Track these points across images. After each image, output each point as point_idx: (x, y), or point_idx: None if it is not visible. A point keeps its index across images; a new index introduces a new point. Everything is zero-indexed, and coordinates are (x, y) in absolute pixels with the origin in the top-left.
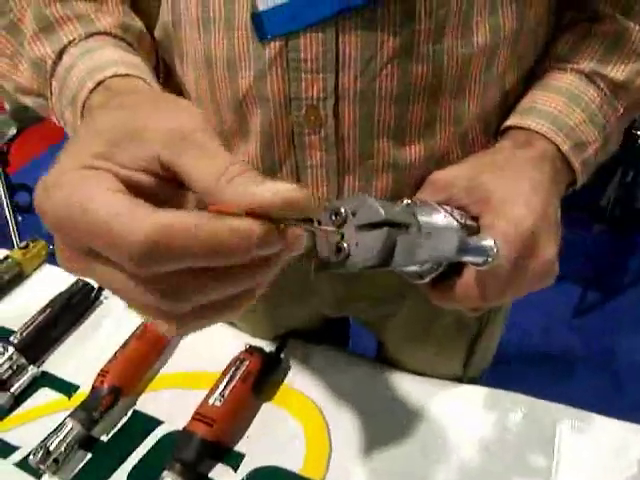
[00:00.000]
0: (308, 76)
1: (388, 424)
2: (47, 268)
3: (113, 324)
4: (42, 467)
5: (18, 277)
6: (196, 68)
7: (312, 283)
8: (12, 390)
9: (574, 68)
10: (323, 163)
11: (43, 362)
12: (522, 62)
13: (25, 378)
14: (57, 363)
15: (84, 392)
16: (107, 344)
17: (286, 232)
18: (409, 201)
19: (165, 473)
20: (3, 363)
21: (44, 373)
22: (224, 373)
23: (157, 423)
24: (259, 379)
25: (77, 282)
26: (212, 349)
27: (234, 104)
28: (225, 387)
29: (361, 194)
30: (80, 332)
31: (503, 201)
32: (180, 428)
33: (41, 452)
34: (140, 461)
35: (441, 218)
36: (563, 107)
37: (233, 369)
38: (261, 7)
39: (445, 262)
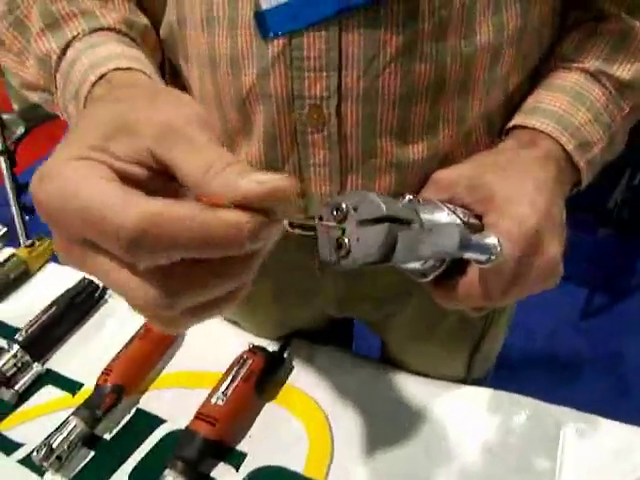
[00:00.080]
0: (311, 74)
1: (391, 425)
2: (52, 266)
3: (117, 323)
4: (45, 464)
5: (24, 275)
6: (200, 67)
7: (316, 283)
8: (16, 387)
9: (579, 67)
10: (326, 162)
11: (47, 360)
12: (526, 62)
13: (29, 375)
14: (61, 361)
15: (88, 390)
16: (111, 343)
17: (274, 223)
18: (411, 197)
19: (167, 472)
20: (8, 360)
21: (48, 371)
22: (227, 372)
23: (160, 422)
24: (262, 379)
25: (82, 280)
26: (215, 348)
27: (237, 102)
28: (228, 386)
29: (362, 190)
30: (84, 330)
31: (507, 200)
32: (183, 427)
33: (44, 449)
34: (142, 459)
35: (444, 216)
36: (568, 106)
37: (236, 368)
38: (264, 6)
39: (448, 259)
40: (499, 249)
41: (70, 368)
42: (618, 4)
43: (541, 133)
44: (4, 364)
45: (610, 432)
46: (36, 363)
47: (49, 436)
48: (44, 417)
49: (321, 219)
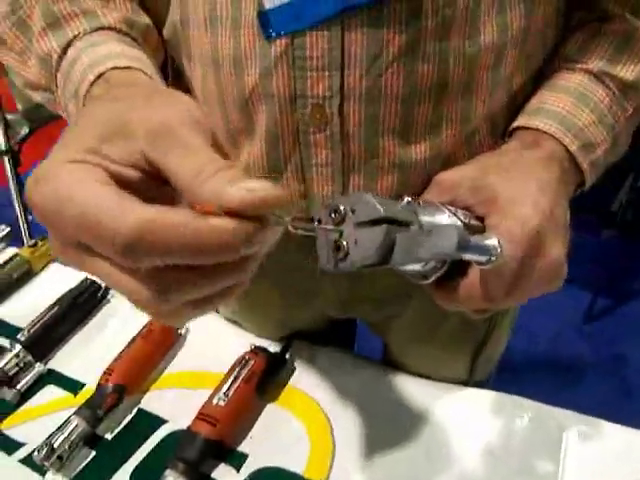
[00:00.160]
0: (314, 74)
1: (392, 427)
2: (55, 266)
3: (119, 323)
4: (46, 464)
5: (26, 275)
6: (203, 67)
7: (317, 284)
8: (18, 387)
9: (583, 68)
10: (328, 162)
11: (49, 359)
12: (530, 63)
13: (31, 375)
14: (63, 361)
15: (90, 390)
16: (113, 343)
17: (268, 229)
18: (410, 199)
19: (168, 472)
20: (10, 360)
21: (50, 370)
22: (228, 373)
23: (161, 422)
24: (263, 380)
25: (85, 280)
26: (217, 349)
27: (240, 102)
28: (229, 387)
29: (360, 192)
30: (87, 330)
31: (509, 201)
32: (184, 427)
33: (45, 449)
34: (143, 460)
35: (444, 218)
36: (571, 107)
37: (237, 369)
38: (267, 5)
39: (448, 260)
40: (499, 250)
41: (72, 368)
42: (622, 4)
43: (544, 134)
44: (6, 364)
45: (613, 435)
46: (38, 363)
47: (50, 436)
48: (46, 417)
49: (319, 222)
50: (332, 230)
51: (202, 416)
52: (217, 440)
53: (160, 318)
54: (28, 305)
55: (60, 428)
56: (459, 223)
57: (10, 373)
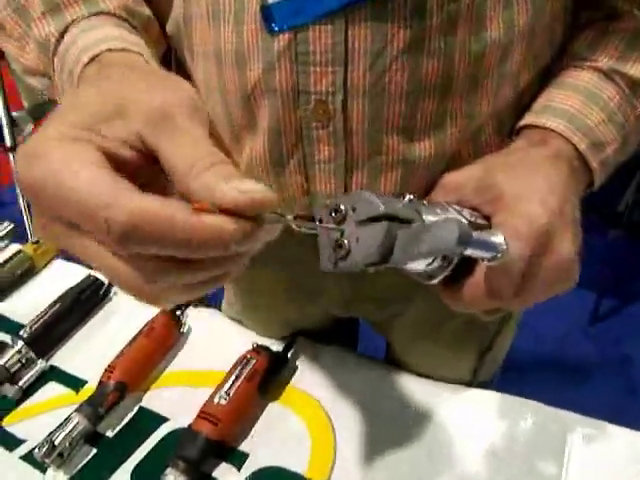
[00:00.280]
0: (317, 69)
1: (395, 427)
2: (58, 263)
3: (121, 320)
4: (47, 461)
5: (29, 272)
6: (206, 62)
7: (320, 282)
8: (20, 383)
9: (592, 66)
10: (331, 158)
11: (52, 356)
12: (537, 60)
13: (33, 372)
14: (65, 358)
15: (91, 387)
16: (115, 340)
17: (261, 228)
18: (412, 197)
19: (168, 470)
20: (12, 356)
21: (52, 367)
22: (230, 372)
23: (162, 420)
24: (265, 378)
25: (87, 277)
26: (219, 347)
27: (242, 98)
28: (231, 386)
29: (361, 190)
30: (89, 327)
31: (516, 199)
32: (185, 426)
33: (46, 446)
34: (144, 458)
35: (448, 215)
36: (581, 106)
37: (239, 368)
38: (270, 0)
39: (453, 258)
40: (505, 247)
41: (74, 365)
42: (631, 1)
43: (552, 132)
44: (8, 360)
45: (617, 437)
46: (40, 359)
47: (51, 433)
48: (47, 414)
49: (321, 221)
50: (333, 229)
51: (203, 415)
52: (218, 439)
53: (145, 300)
54: (31, 302)
55: (61, 425)
56: (464, 221)
57: (12, 370)
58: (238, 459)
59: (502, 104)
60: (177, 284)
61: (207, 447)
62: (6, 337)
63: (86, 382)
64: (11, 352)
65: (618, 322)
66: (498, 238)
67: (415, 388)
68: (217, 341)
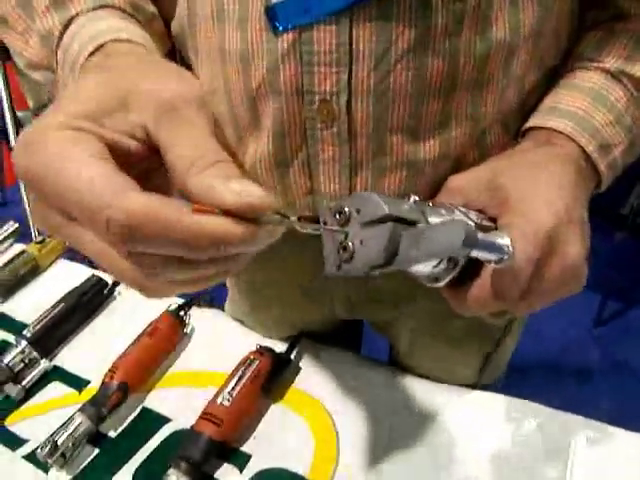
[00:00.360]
0: (321, 69)
1: (398, 429)
2: (62, 263)
3: (125, 320)
4: (49, 461)
5: (33, 271)
6: (210, 62)
7: (324, 284)
8: (23, 383)
9: (599, 67)
10: (335, 158)
11: (55, 356)
12: (544, 62)
13: (37, 371)
14: (68, 357)
15: (94, 387)
16: (118, 340)
17: (263, 231)
18: (416, 198)
19: (171, 471)
20: (15, 356)
21: (55, 367)
22: (233, 373)
23: (165, 421)
24: (268, 379)
25: (91, 278)
26: (222, 348)
27: (247, 98)
28: (234, 387)
29: (365, 192)
30: (92, 327)
31: (522, 200)
32: (188, 427)
33: (49, 446)
34: (147, 458)
35: (454, 217)
36: (588, 107)
37: (242, 369)
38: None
39: (459, 260)
40: (512, 249)
41: (77, 365)
42: (638, 1)
43: (559, 134)
44: (12, 360)
45: (621, 441)
46: (43, 359)
47: (54, 433)
48: (50, 413)
49: (325, 223)
50: (338, 231)
51: (206, 416)
52: (221, 440)
53: (145, 293)
54: (34, 301)
55: (64, 425)
56: (470, 222)
57: (15, 369)
58: (241, 460)
59: (507, 105)
60: (177, 279)
61: (210, 448)
62: (9, 337)
63: (89, 382)
64: (14, 352)
65: (623, 324)
66: (504, 240)
67: (419, 390)
68: (220, 342)
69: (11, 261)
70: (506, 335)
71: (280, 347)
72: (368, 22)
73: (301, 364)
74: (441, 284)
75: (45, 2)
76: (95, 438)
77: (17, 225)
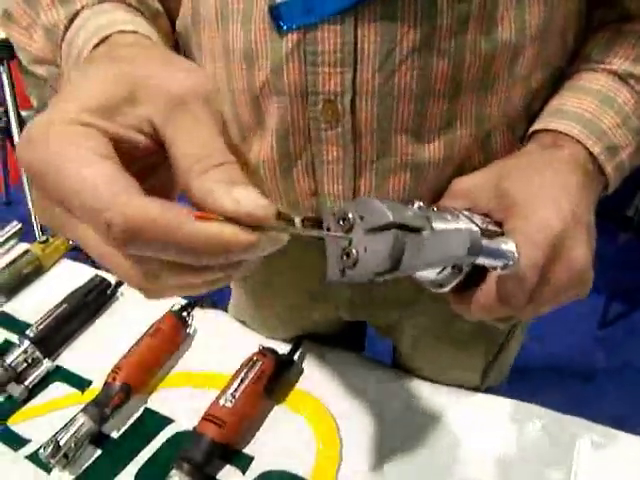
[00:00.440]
0: (325, 70)
1: (402, 431)
2: (66, 263)
3: (128, 321)
4: (52, 461)
5: (37, 271)
6: (214, 61)
7: (327, 285)
8: (26, 383)
9: (606, 69)
10: (339, 159)
11: (58, 356)
12: (549, 63)
13: (39, 371)
14: (71, 358)
15: (97, 388)
16: (121, 340)
17: (263, 239)
18: (421, 203)
19: (173, 472)
20: (18, 356)
21: (58, 367)
22: (236, 374)
23: (167, 422)
24: (271, 381)
25: (94, 278)
26: (225, 349)
27: (251, 98)
28: (237, 388)
29: (369, 197)
30: (95, 328)
31: (529, 204)
32: (190, 428)
33: (51, 446)
34: (149, 459)
35: (459, 223)
36: (595, 109)
37: (245, 370)
38: None
39: (463, 266)
40: (516, 255)
41: (80, 365)
42: None
43: (566, 136)
44: (14, 359)
45: (626, 445)
46: (46, 359)
47: (57, 433)
48: (52, 414)
49: (328, 229)
50: (341, 237)
51: (208, 417)
52: (223, 441)
53: (146, 295)
54: (37, 301)
55: (66, 426)
56: (475, 228)
57: (18, 369)
58: (243, 462)
59: (513, 106)
60: (178, 284)
61: (212, 449)
62: (13, 336)
63: (91, 382)
64: (17, 352)
65: (628, 326)
66: (509, 246)
67: (422, 392)
68: (223, 343)
69: (14, 261)
70: (510, 338)
71: (283, 348)
72: (373, 22)
73: (304, 365)
74: (446, 290)
75: None
76: (97, 439)
77: (20, 225)
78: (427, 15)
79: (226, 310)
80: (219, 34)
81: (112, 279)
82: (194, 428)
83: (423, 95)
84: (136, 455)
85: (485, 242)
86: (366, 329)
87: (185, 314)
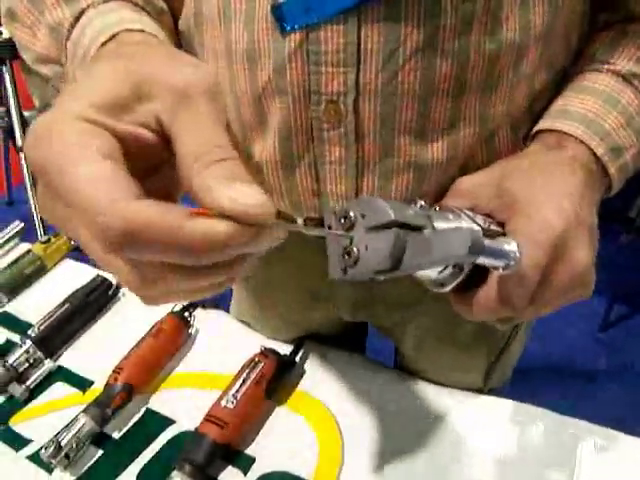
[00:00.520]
0: (328, 70)
1: (403, 433)
2: (67, 263)
3: (129, 321)
4: (53, 462)
5: (39, 271)
6: (216, 61)
7: (329, 285)
8: (28, 383)
9: (610, 69)
10: (342, 159)
11: (59, 356)
12: (553, 64)
13: (41, 372)
14: (73, 358)
15: (98, 388)
16: (123, 341)
17: (262, 235)
18: (422, 203)
19: (174, 473)
20: (20, 356)
21: (60, 367)
22: (238, 375)
23: (169, 423)
24: (273, 382)
25: (96, 278)
26: (227, 350)
27: (253, 98)
28: (238, 389)
29: (370, 196)
30: (97, 328)
31: (531, 205)
32: (192, 429)
33: (53, 446)
34: (150, 460)
35: (461, 222)
36: (599, 110)
37: (247, 371)
38: None
39: (465, 265)
40: (518, 255)
41: (81, 365)
42: None
43: (569, 137)
44: (16, 359)
45: (628, 447)
46: (48, 359)
47: (58, 433)
48: (54, 414)
49: (330, 228)
50: (342, 236)
51: (210, 418)
52: (225, 443)
53: (144, 301)
54: (39, 301)
55: (68, 426)
56: (477, 228)
57: (20, 369)
58: (244, 463)
59: (517, 107)
60: (176, 289)
61: (213, 450)
62: (14, 336)
63: (93, 383)
64: (19, 352)
65: (630, 328)
66: (511, 246)
67: (424, 394)
68: (225, 343)
69: (16, 261)
70: (513, 340)
71: (285, 349)
72: (376, 22)
73: (306, 366)
74: (447, 289)
75: None
76: (99, 439)
77: (22, 225)
78: (431, 15)
79: (228, 311)
80: (221, 34)
81: (114, 279)
82: (196, 429)
83: (426, 95)
84: (137, 456)
85: (487, 242)
86: (367, 331)
87: (187, 314)
